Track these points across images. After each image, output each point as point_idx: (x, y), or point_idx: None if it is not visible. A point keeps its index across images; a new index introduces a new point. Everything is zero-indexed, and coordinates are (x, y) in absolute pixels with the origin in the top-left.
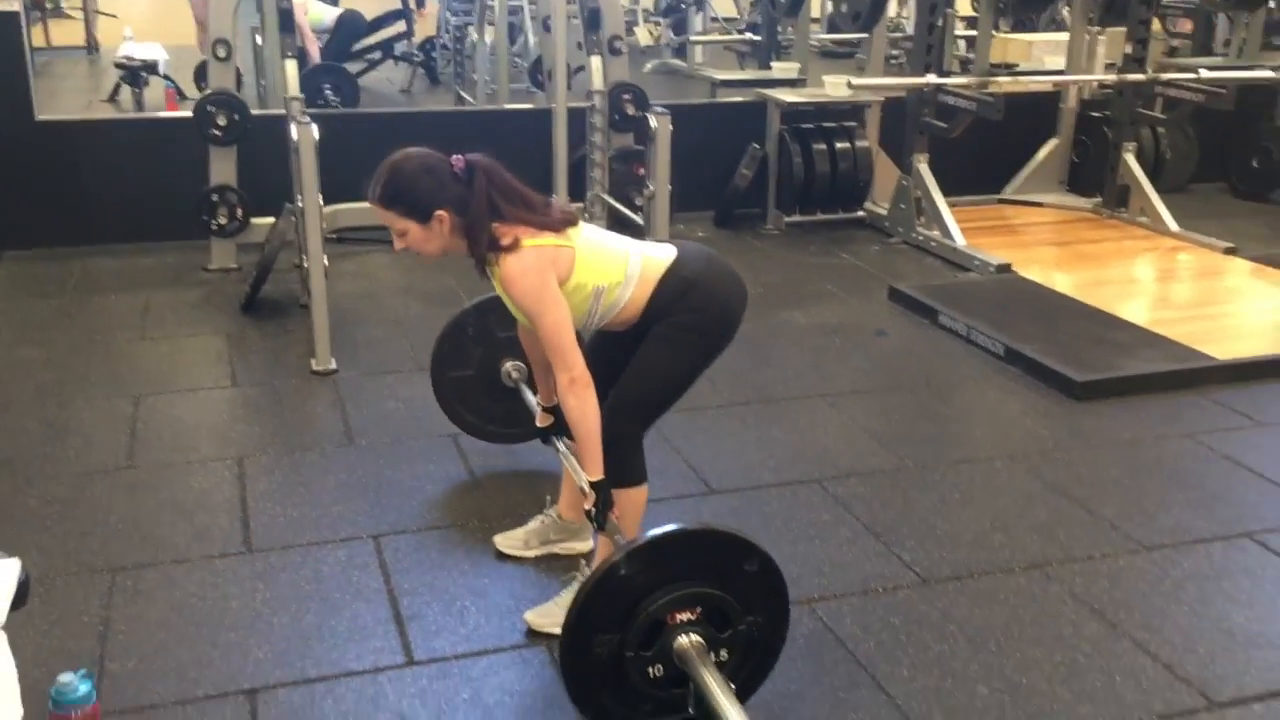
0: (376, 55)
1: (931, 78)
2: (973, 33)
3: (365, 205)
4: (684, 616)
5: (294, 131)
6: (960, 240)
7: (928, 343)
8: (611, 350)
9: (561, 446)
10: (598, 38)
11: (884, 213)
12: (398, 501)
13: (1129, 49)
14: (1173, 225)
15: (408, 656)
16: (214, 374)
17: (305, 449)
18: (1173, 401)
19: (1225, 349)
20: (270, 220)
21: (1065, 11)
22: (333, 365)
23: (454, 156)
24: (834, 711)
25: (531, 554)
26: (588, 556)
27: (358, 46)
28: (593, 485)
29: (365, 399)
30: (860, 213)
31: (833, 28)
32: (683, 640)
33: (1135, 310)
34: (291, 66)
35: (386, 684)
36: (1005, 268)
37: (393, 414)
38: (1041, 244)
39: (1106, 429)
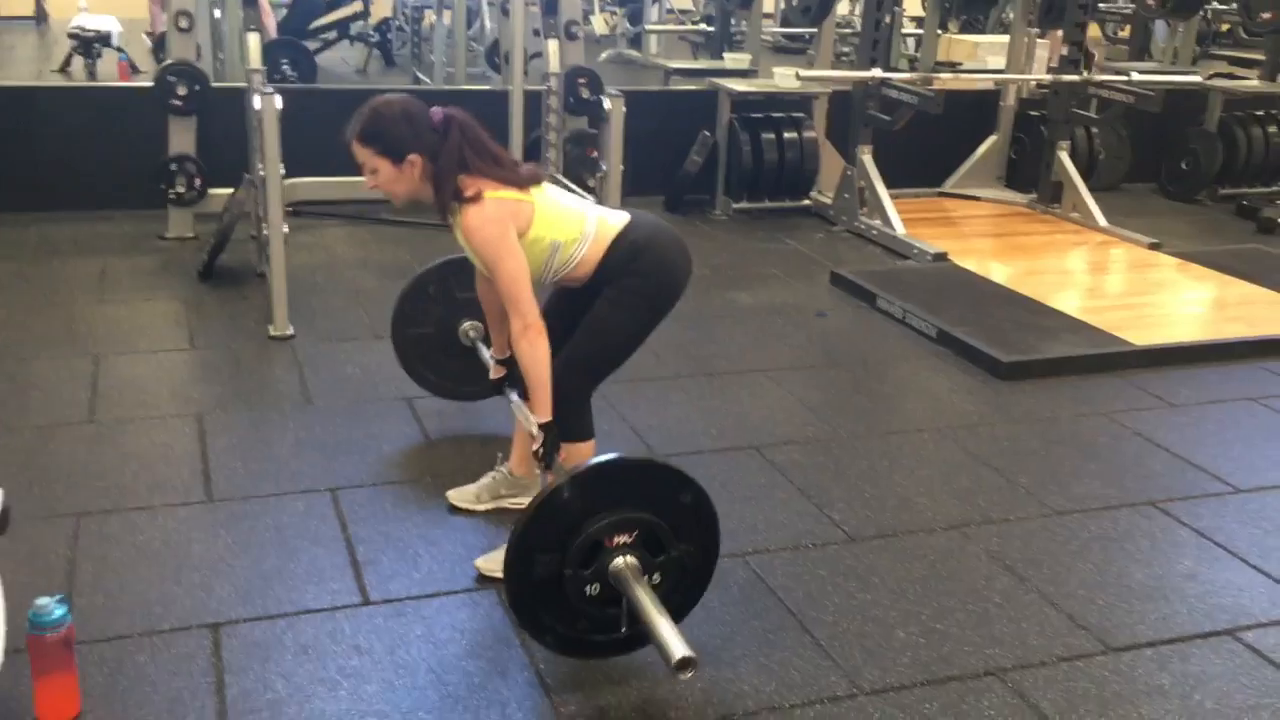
0: (332, 35)
1: (876, 72)
2: (921, 31)
3: (324, 180)
4: (621, 540)
5: (257, 101)
6: (900, 229)
7: (865, 324)
8: (565, 307)
9: (514, 397)
10: (555, 22)
11: (829, 201)
12: (354, 458)
13: (1064, 51)
14: (1102, 221)
15: (364, 597)
16: (172, 337)
17: (264, 408)
18: (1092, 383)
19: (1144, 336)
20: (228, 191)
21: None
22: (290, 331)
23: (433, 108)
24: (762, 649)
25: (482, 508)
26: None
27: (314, 25)
28: (541, 427)
29: (322, 363)
30: (806, 201)
31: (785, 22)
32: (619, 561)
33: (1063, 299)
34: (254, 39)
35: (344, 621)
36: (942, 256)
37: (350, 378)
38: (977, 235)
39: (1028, 406)
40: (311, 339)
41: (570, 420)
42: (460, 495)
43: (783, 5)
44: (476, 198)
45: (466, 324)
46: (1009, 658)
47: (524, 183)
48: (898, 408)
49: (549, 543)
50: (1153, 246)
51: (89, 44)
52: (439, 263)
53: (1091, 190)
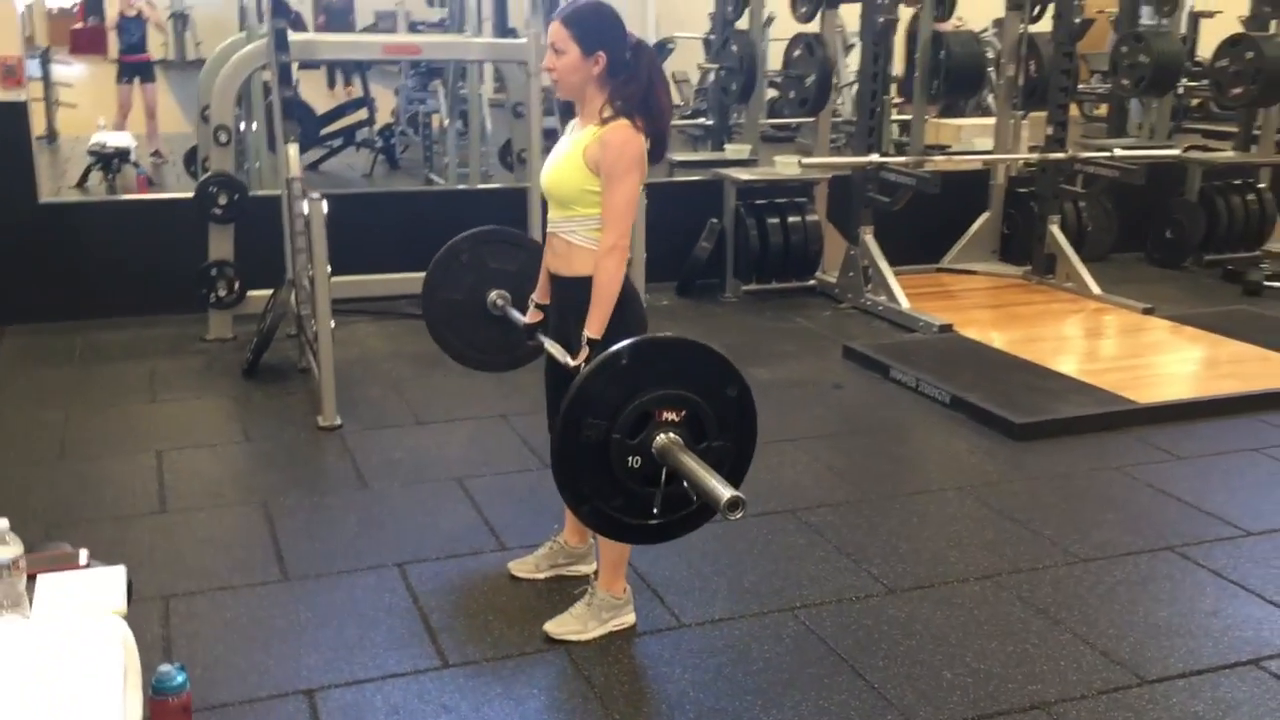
0: (339, 141)
1: (875, 157)
2: (903, 117)
3: (355, 279)
4: (669, 416)
5: (306, 207)
6: (905, 304)
7: (881, 394)
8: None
9: (546, 342)
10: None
11: (834, 280)
12: (415, 535)
13: (1050, 130)
14: (1095, 289)
15: (443, 660)
16: (227, 431)
17: (323, 493)
18: (1101, 440)
19: (1146, 395)
20: (264, 293)
21: (990, 99)
22: (338, 421)
23: (630, 33)
24: (820, 693)
25: (542, 576)
26: (595, 575)
27: (322, 132)
28: (590, 342)
29: (371, 450)
30: (812, 281)
31: (773, 113)
32: (663, 437)
33: (1065, 363)
34: (293, 149)
35: (428, 683)
36: (947, 328)
37: (400, 462)
38: (978, 307)
39: (1043, 463)
40: (358, 428)
41: None
42: (520, 566)
43: (770, 96)
44: (640, 129)
45: (495, 293)
46: (1051, 692)
47: (662, 152)
48: (920, 469)
49: (601, 408)
50: (1146, 311)
51: (109, 160)
52: (473, 231)
53: (1082, 261)
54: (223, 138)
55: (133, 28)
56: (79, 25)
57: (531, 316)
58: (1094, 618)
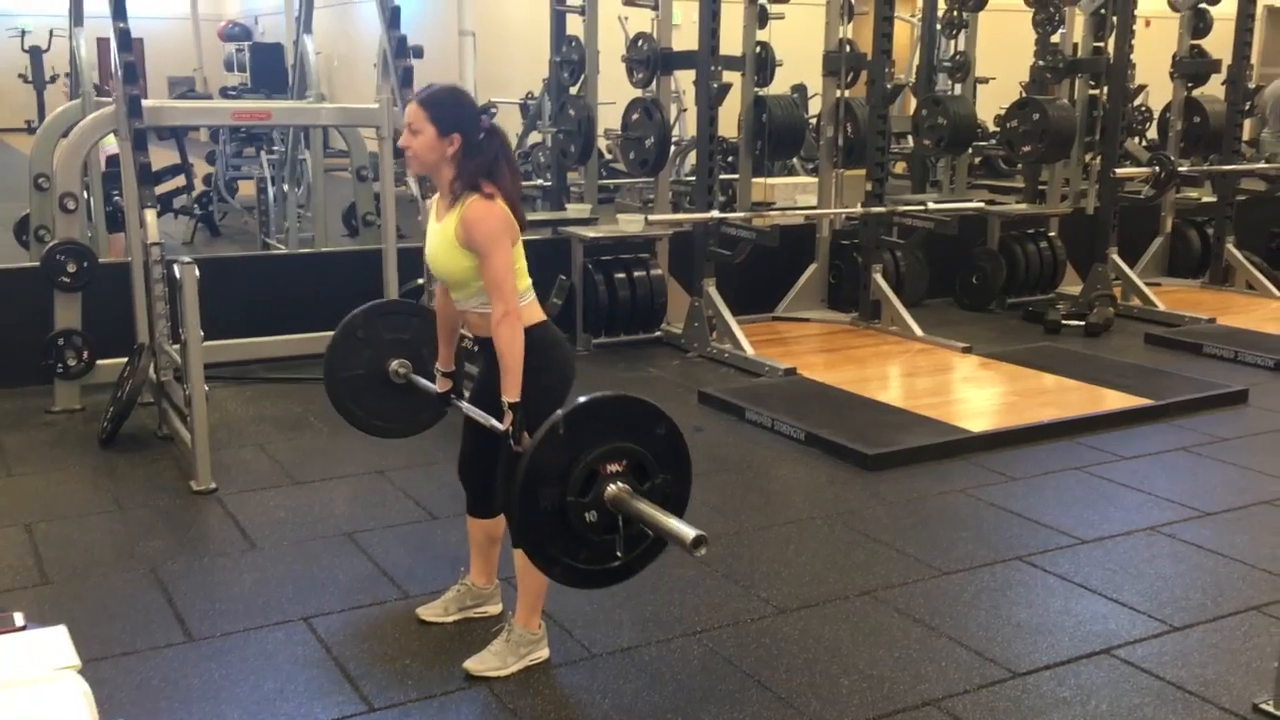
0: (156, 208)
1: (714, 213)
2: (727, 177)
3: (214, 344)
4: (613, 468)
5: (178, 271)
6: (750, 351)
7: (740, 434)
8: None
9: (463, 405)
10: (428, 185)
11: (679, 331)
12: (315, 590)
13: (869, 186)
14: (918, 331)
15: (368, 705)
16: (97, 500)
17: (213, 555)
18: (943, 466)
19: (977, 424)
20: (113, 361)
21: (795, 161)
22: (213, 485)
23: (483, 116)
24: (734, 707)
25: (451, 619)
26: (512, 612)
27: None
28: (510, 406)
29: (253, 511)
30: (658, 333)
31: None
32: (612, 487)
33: (900, 399)
34: (151, 215)
35: None
36: (791, 371)
37: (284, 521)
38: (814, 351)
39: (897, 490)
40: (233, 490)
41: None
42: (429, 610)
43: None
44: (492, 196)
45: (395, 363)
46: (938, 690)
47: (521, 218)
48: (788, 501)
49: (550, 476)
50: (965, 350)
51: None
52: (364, 307)
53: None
54: (70, 205)
55: None
56: None
57: (441, 385)
58: (964, 622)
